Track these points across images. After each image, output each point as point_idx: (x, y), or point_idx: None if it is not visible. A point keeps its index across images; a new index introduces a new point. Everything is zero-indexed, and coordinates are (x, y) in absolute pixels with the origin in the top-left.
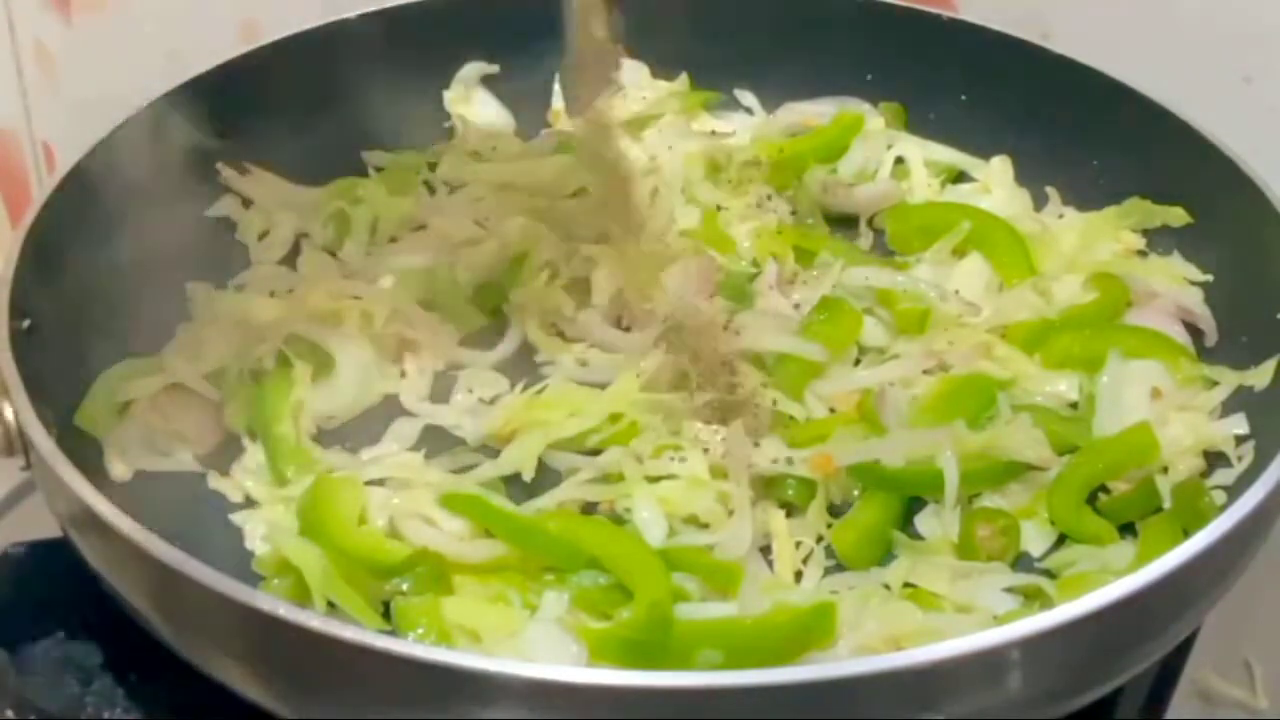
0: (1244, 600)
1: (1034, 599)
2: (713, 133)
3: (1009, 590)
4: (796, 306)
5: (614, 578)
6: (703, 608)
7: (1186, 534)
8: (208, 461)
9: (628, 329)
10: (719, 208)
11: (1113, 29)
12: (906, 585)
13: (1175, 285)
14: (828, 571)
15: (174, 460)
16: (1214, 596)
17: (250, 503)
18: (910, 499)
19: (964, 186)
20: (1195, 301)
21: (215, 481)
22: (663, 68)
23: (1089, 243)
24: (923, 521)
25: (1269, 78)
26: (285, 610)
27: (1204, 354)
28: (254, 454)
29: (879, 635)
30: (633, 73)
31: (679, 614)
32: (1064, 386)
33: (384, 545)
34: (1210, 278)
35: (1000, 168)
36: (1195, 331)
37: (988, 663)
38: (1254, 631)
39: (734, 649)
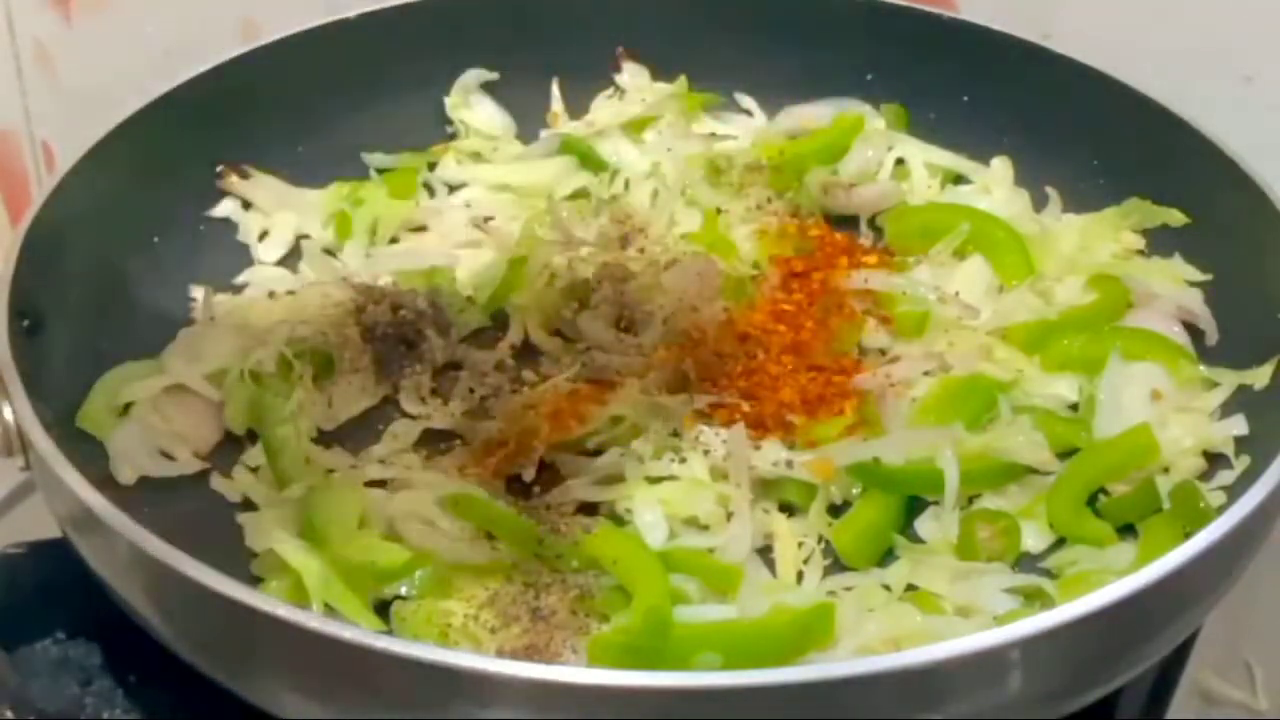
0: (1244, 601)
1: (1034, 599)
2: (713, 135)
3: (1009, 591)
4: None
5: (614, 579)
6: (702, 610)
7: (1187, 534)
8: (208, 462)
9: (628, 331)
10: (719, 210)
11: (1113, 29)
12: (908, 588)
13: (1175, 286)
14: (828, 572)
15: (175, 462)
16: (1214, 597)
17: (250, 503)
18: (910, 503)
19: (964, 187)
20: (1195, 302)
21: (215, 482)
22: (662, 70)
23: (1089, 243)
24: (923, 525)
25: (1269, 78)
26: (285, 610)
27: (1204, 354)
28: (254, 455)
29: (879, 637)
30: (632, 75)
31: (678, 617)
32: (1064, 388)
33: (383, 550)
34: (1210, 278)
35: (1000, 168)
36: (1195, 332)
37: (988, 663)
38: (1254, 632)
39: (733, 651)
